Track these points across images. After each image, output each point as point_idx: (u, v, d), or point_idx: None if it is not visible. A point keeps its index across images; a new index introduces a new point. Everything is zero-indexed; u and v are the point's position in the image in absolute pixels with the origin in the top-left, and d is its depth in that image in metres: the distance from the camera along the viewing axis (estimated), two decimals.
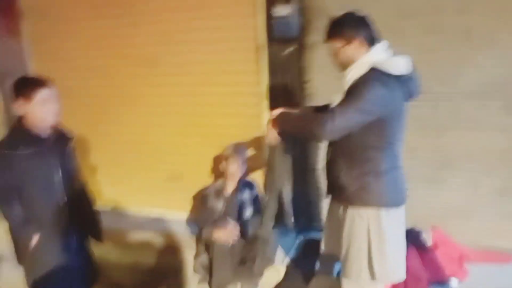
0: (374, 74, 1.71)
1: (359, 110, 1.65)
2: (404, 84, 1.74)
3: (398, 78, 1.72)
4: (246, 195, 2.62)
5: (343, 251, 1.91)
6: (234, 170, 2.60)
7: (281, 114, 1.93)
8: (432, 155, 2.65)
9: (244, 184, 2.66)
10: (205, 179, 3.28)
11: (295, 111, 2.01)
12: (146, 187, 3.53)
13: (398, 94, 1.73)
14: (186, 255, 2.83)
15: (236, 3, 2.84)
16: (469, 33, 2.42)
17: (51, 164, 1.96)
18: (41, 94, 1.86)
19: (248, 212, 2.60)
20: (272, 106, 2.91)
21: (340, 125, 1.65)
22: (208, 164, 3.25)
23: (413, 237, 2.53)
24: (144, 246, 3.16)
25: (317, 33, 2.70)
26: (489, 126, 2.50)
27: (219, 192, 2.65)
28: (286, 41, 2.73)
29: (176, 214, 3.34)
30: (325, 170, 2.01)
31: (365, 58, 1.76)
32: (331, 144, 1.94)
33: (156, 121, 3.36)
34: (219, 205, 2.61)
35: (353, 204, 1.84)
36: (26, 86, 1.87)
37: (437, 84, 2.53)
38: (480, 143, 2.53)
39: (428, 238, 2.59)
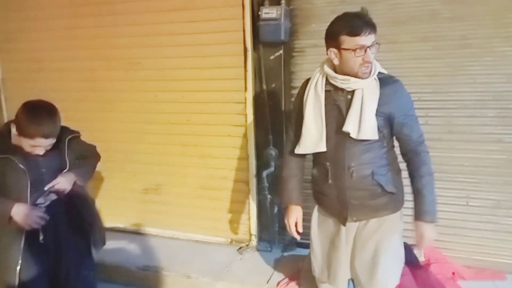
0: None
1: None
2: None
3: None
4: None
5: (370, 260, 1.77)
6: None
7: None
8: None
9: None
10: (184, 190, 3.09)
11: None
12: (122, 199, 3.31)
13: None
14: None
15: (224, 4, 2.71)
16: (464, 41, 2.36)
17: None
18: (36, 141, 1.74)
19: None
20: (257, 114, 2.77)
21: None
22: (189, 175, 3.08)
23: (405, 253, 2.38)
24: None
25: (306, 37, 2.60)
26: (482, 137, 2.42)
27: None
28: (274, 44, 2.62)
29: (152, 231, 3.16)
30: None
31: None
32: None
33: (135, 128, 3.16)
34: None
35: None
36: (28, 126, 1.71)
37: (429, 93, 2.45)
38: (473, 155, 2.45)
39: (420, 255, 2.46)
